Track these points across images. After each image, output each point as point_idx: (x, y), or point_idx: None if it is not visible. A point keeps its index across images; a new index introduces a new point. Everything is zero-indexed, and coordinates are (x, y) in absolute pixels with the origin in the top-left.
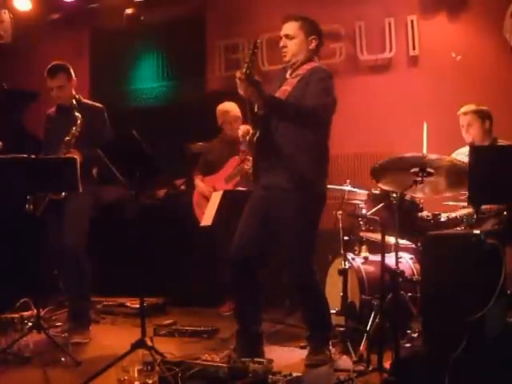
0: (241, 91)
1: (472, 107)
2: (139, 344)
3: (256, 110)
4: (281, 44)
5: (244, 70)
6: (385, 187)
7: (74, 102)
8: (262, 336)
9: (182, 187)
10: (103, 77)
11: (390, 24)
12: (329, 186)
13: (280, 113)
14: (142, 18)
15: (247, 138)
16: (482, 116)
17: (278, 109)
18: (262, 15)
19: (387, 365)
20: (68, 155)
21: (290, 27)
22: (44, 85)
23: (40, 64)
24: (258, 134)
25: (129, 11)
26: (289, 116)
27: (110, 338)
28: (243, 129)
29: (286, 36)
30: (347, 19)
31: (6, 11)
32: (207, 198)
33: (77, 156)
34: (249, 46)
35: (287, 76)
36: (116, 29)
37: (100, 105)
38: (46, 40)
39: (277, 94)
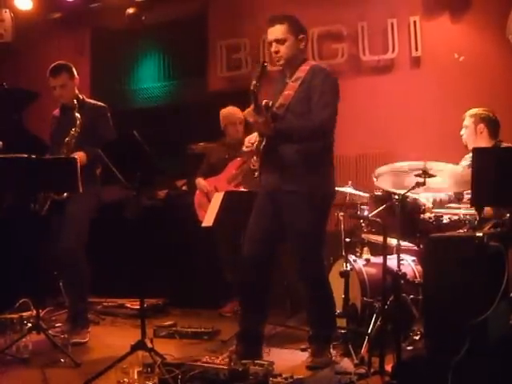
0: (250, 120)
1: (472, 111)
2: (139, 345)
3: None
4: (272, 49)
5: (252, 103)
6: (387, 189)
7: (75, 102)
8: (263, 337)
9: (184, 188)
10: (104, 77)
11: (392, 25)
12: None
13: (290, 140)
14: (144, 17)
15: (254, 145)
16: (476, 120)
17: (287, 137)
18: (265, 15)
19: (389, 368)
20: (71, 155)
21: (279, 31)
22: (45, 84)
23: (41, 63)
24: (264, 142)
25: (130, 11)
26: (299, 140)
27: (109, 339)
28: (249, 139)
29: (277, 41)
30: (349, 19)
31: (7, 10)
32: (208, 198)
33: (82, 157)
34: (255, 72)
35: (287, 80)
36: (117, 28)
37: (103, 104)
38: (46, 39)
39: (280, 100)
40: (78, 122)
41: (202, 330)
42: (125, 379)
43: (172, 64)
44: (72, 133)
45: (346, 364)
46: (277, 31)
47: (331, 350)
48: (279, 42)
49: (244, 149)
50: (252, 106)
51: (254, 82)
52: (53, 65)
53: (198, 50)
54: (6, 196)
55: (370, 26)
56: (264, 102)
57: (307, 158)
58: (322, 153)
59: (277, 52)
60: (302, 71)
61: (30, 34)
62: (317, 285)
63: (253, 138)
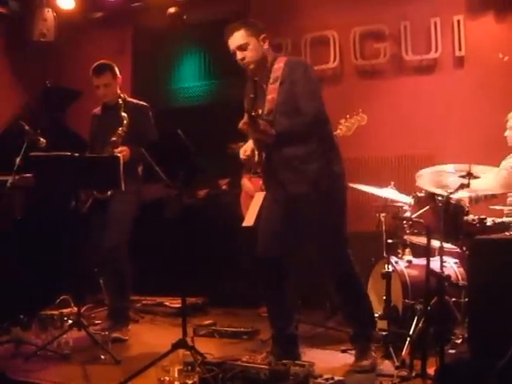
0: (250, 136)
1: None
2: (180, 344)
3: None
4: (238, 58)
5: (248, 115)
6: (430, 190)
7: (121, 101)
8: (297, 338)
9: (224, 187)
10: (145, 76)
11: (435, 24)
12: (372, 189)
13: (290, 141)
14: (185, 16)
15: (255, 159)
16: None
17: (287, 139)
18: (305, 14)
19: (431, 371)
20: (116, 150)
21: (238, 37)
22: (86, 83)
23: (82, 62)
24: (264, 155)
25: (172, 10)
26: (298, 138)
27: (149, 336)
28: (247, 150)
29: (239, 47)
30: (392, 19)
31: (50, 10)
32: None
33: (126, 153)
34: (249, 91)
35: (264, 85)
36: (159, 28)
37: (145, 104)
38: (88, 39)
39: (266, 106)
40: (125, 121)
41: (242, 329)
42: (165, 377)
43: (213, 63)
44: (119, 132)
45: (387, 366)
46: (236, 39)
47: (375, 350)
48: (241, 48)
49: (242, 157)
50: (246, 118)
51: (248, 101)
52: (96, 64)
53: None
54: (50, 193)
55: (412, 26)
56: (253, 113)
57: (308, 155)
58: (321, 146)
59: (243, 59)
60: (278, 70)
61: (72, 34)
62: (347, 283)
63: (248, 149)
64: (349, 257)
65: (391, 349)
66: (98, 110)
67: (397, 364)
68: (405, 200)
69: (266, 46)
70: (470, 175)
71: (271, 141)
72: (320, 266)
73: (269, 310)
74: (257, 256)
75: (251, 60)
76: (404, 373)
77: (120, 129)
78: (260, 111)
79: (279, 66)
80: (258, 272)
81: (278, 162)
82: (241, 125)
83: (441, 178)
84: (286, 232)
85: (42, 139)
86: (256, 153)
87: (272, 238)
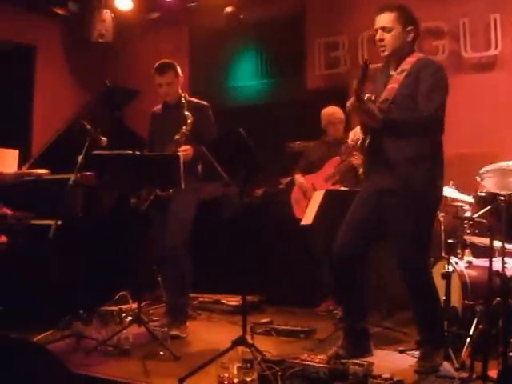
0: (353, 110)
1: None
2: (240, 341)
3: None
4: (377, 37)
5: (355, 96)
6: (492, 189)
7: (184, 101)
8: (369, 333)
9: (281, 186)
10: (202, 75)
11: (495, 20)
12: None
13: (400, 133)
14: (242, 16)
15: (358, 143)
16: None
17: (393, 130)
18: (363, 12)
19: (493, 373)
20: (180, 149)
21: (386, 19)
22: (143, 82)
23: (140, 62)
24: (368, 140)
25: (228, 9)
26: (405, 133)
27: (207, 334)
28: (354, 134)
29: (383, 28)
30: (451, 16)
31: (108, 11)
32: (305, 195)
33: (190, 151)
34: (359, 69)
35: (391, 72)
36: (215, 27)
37: (206, 103)
38: (145, 39)
39: (384, 94)
40: (189, 120)
41: (299, 328)
42: (225, 374)
43: (270, 62)
44: (183, 131)
45: (447, 368)
46: (384, 19)
47: (440, 355)
48: (385, 30)
49: (349, 142)
50: (354, 98)
51: (356, 83)
52: (159, 63)
53: (295, 48)
54: (111, 191)
55: (471, 22)
56: (366, 96)
57: (415, 157)
58: (431, 150)
59: (381, 40)
60: (408, 63)
61: (129, 34)
62: (420, 287)
63: (358, 132)
64: (426, 262)
65: (450, 350)
66: (157, 108)
67: (456, 366)
68: (465, 199)
69: (409, 38)
70: None
71: (376, 125)
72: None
73: (344, 304)
74: (333, 251)
75: (388, 45)
76: (465, 375)
77: (184, 127)
78: (373, 97)
79: (411, 60)
80: (336, 266)
81: (382, 154)
82: (348, 103)
83: (503, 177)
84: (369, 228)
85: (103, 138)
86: (360, 137)
87: (353, 235)
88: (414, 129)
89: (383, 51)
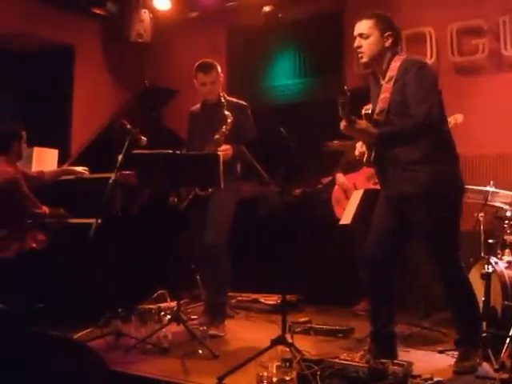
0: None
1: None
2: (279, 340)
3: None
4: (355, 44)
5: (345, 119)
6: None
7: (223, 100)
8: (396, 337)
9: (320, 186)
10: (240, 74)
11: None
12: (470, 187)
13: (395, 142)
14: (280, 15)
15: (364, 158)
16: None
17: (391, 140)
18: (401, 11)
19: None
20: (220, 149)
21: (364, 26)
22: (182, 82)
23: (178, 62)
24: (373, 154)
25: (266, 8)
26: (404, 140)
27: (245, 332)
28: (359, 150)
29: (360, 35)
30: (490, 14)
31: (146, 11)
32: (346, 195)
33: (230, 151)
34: (340, 97)
35: (381, 82)
36: (253, 26)
37: (244, 103)
38: (183, 38)
39: (379, 105)
40: (229, 120)
41: (337, 327)
42: (264, 373)
43: (308, 61)
44: (223, 130)
45: (486, 368)
46: (362, 26)
47: (479, 354)
48: (362, 36)
49: (356, 153)
50: (344, 120)
51: (341, 111)
52: (202, 62)
53: (334, 48)
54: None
55: (511, 20)
56: (364, 112)
57: (421, 159)
58: (435, 149)
59: (359, 47)
60: (393, 69)
61: (167, 34)
62: (455, 286)
63: (363, 146)
64: (458, 260)
65: (490, 351)
66: (196, 108)
67: (496, 366)
68: (505, 199)
69: (387, 44)
70: None
71: (373, 140)
72: (428, 265)
73: (371, 307)
74: (363, 254)
75: (365, 52)
76: (505, 375)
77: (224, 127)
78: (370, 111)
79: (395, 65)
80: (364, 270)
81: (389, 162)
82: (341, 127)
83: None
84: (394, 230)
85: (143, 137)
86: (366, 152)
87: (383, 237)
88: (412, 135)
89: (361, 58)
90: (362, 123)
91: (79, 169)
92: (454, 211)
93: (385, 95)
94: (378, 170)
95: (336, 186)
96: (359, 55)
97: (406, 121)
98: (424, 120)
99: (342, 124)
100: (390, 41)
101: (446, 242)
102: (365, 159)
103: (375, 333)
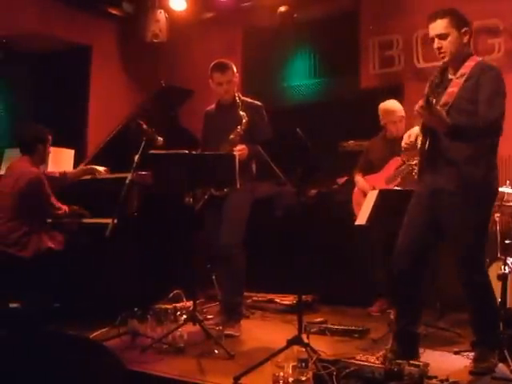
0: (424, 120)
1: None
2: (296, 340)
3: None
4: (435, 46)
5: (425, 99)
6: None
7: (238, 100)
8: (419, 338)
9: (335, 186)
10: (255, 75)
11: None
12: None
13: (462, 137)
14: (295, 15)
15: (418, 145)
16: None
17: (460, 135)
18: (417, 10)
19: None
20: (235, 149)
21: (440, 26)
22: (197, 82)
23: (193, 62)
24: (428, 142)
25: (282, 9)
26: (467, 138)
27: (260, 332)
28: (412, 135)
29: (439, 36)
30: (506, 13)
31: (162, 11)
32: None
33: (245, 151)
34: (433, 77)
35: (450, 76)
36: (268, 27)
37: (259, 103)
38: (199, 39)
39: (444, 98)
40: (244, 120)
41: (353, 327)
42: (280, 373)
43: (323, 61)
44: (238, 130)
45: (502, 369)
46: (438, 26)
47: (495, 356)
48: (441, 37)
49: (403, 145)
50: (422, 101)
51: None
52: (218, 61)
53: (349, 47)
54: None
55: None
56: (430, 98)
57: (473, 156)
58: (488, 152)
59: (439, 48)
60: (467, 67)
61: (183, 34)
62: (477, 288)
63: (413, 135)
64: (483, 263)
65: (506, 352)
66: (211, 108)
67: None
68: None
69: (465, 39)
70: None
71: (443, 130)
72: (448, 266)
73: (397, 306)
74: (392, 266)
75: (447, 51)
76: None
77: (239, 127)
78: (434, 101)
79: (470, 64)
80: (395, 268)
81: (441, 155)
82: (417, 107)
83: None
84: (426, 229)
85: (159, 138)
86: (419, 140)
87: (412, 248)
88: (477, 134)
89: (443, 57)
90: (440, 109)
91: (100, 168)
92: (487, 215)
93: (453, 89)
94: (425, 160)
95: (356, 189)
96: (440, 55)
97: (476, 120)
98: (488, 123)
99: (419, 104)
100: (467, 36)
101: (476, 243)
102: (419, 145)
103: (399, 331)
